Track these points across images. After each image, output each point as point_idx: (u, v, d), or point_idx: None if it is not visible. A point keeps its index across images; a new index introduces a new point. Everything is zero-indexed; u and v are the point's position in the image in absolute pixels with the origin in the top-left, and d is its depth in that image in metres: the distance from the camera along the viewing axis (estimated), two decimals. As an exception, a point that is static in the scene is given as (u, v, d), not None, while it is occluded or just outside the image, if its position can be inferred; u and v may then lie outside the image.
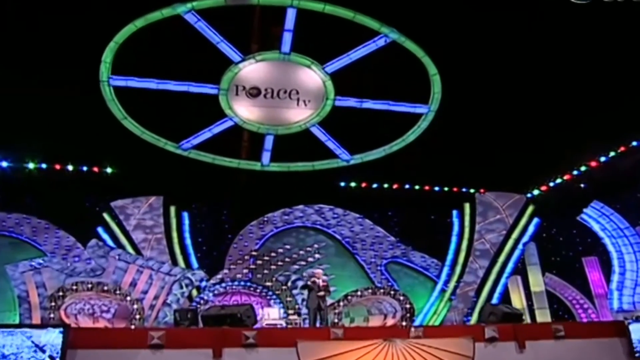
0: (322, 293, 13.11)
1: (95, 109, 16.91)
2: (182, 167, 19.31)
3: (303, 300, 19.62)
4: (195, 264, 20.90)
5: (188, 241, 21.40)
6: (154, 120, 17.85)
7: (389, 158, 19.78)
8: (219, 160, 19.51)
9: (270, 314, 13.97)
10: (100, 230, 20.54)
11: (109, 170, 19.96)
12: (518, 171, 20.60)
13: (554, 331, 11.73)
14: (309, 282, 13.31)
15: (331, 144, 19.35)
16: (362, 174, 21.19)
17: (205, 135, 18.65)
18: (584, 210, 20.06)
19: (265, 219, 22.29)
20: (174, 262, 20.40)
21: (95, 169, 19.85)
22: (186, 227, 21.56)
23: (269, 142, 19.12)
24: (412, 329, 9.86)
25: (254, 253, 21.37)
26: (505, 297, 21.58)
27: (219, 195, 21.24)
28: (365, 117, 18.16)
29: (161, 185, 20.71)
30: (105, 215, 20.80)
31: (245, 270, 20.99)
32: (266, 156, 19.65)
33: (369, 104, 18.06)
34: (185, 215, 21.69)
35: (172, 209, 21.43)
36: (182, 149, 18.87)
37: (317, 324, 13.18)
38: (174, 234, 21.18)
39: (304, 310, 19.08)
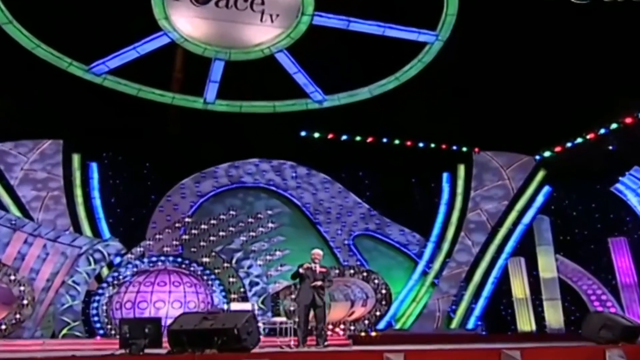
0: (318, 283, 10.93)
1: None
2: (92, 99, 18.22)
3: (252, 284, 18.55)
4: (106, 233, 19.53)
5: (97, 202, 20.04)
6: (54, 29, 16.40)
7: (374, 101, 18.83)
8: (145, 93, 18.40)
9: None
10: (-29, 184, 19.00)
11: (-16, 102, 17.90)
12: (527, 127, 19.51)
13: None
14: (301, 270, 11.03)
15: (301, 78, 18.26)
16: (335, 122, 20.08)
17: (128, 55, 17.42)
18: (620, 178, 18.97)
19: (203, 174, 21.07)
20: (78, 230, 18.99)
21: (-35, 100, 17.83)
22: (94, 183, 20.22)
23: (217, 70, 17.96)
24: (504, 353, 7.38)
25: (187, 220, 19.71)
26: (504, 282, 20.78)
27: (142, 140, 19.54)
28: (351, 44, 17.36)
29: (60, 125, 18.97)
30: (-21, 165, 19.18)
31: (174, 242, 19.21)
32: (212, 90, 18.49)
33: (358, 25, 17.23)
34: (94, 166, 20.32)
35: (76, 158, 19.96)
36: (93, 74, 17.74)
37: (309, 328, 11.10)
38: (78, 192, 19.71)
39: (253, 297, 18.17)
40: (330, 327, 18.72)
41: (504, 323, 20.68)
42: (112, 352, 7.35)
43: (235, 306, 12.80)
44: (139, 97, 18.22)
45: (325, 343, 10.56)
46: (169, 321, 16.59)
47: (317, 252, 11.26)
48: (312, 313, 10.85)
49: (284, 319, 13.34)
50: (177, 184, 20.80)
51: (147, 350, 7.48)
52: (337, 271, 19.45)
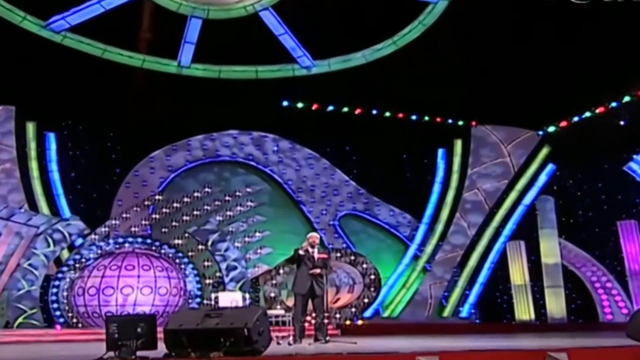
0: (317, 270, 10.41)
1: None
2: (50, 59, 17.87)
3: (229, 268, 18.29)
4: (66, 211, 19.15)
5: (55, 176, 19.70)
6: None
7: (368, 68, 18.53)
8: (112, 54, 18.23)
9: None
10: None
11: None
12: (531, 99, 19.50)
13: None
14: (301, 251, 10.53)
15: (288, 41, 18.10)
16: (321, 90, 19.63)
17: (92, 10, 17.28)
18: (634, 157, 18.86)
19: (175, 146, 20.74)
20: (33, 207, 18.69)
21: None
22: (52, 155, 19.94)
23: (193, 30, 17.78)
24: (550, 356, 6.77)
25: (157, 197, 19.39)
26: (502, 267, 20.65)
27: (107, 108, 19.01)
28: (345, 2, 17.11)
29: (12, 89, 18.43)
30: None
31: (143, 222, 18.96)
32: (187, 52, 18.19)
33: (353, -19, 17.62)
34: (52, 136, 19.97)
35: (30, 127, 19.60)
36: (51, 30, 17.50)
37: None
38: (33, 165, 19.45)
39: (230, 282, 17.96)
40: (314, 315, 18.56)
41: (500, 311, 20.59)
42: (101, 356, 6.65)
43: (224, 296, 12.12)
44: (104, 59, 17.92)
45: (327, 337, 10.02)
46: (137, 309, 16.53)
47: (315, 235, 10.79)
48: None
49: (281, 312, 12.72)
50: (145, 157, 20.50)
51: (139, 353, 6.78)
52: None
